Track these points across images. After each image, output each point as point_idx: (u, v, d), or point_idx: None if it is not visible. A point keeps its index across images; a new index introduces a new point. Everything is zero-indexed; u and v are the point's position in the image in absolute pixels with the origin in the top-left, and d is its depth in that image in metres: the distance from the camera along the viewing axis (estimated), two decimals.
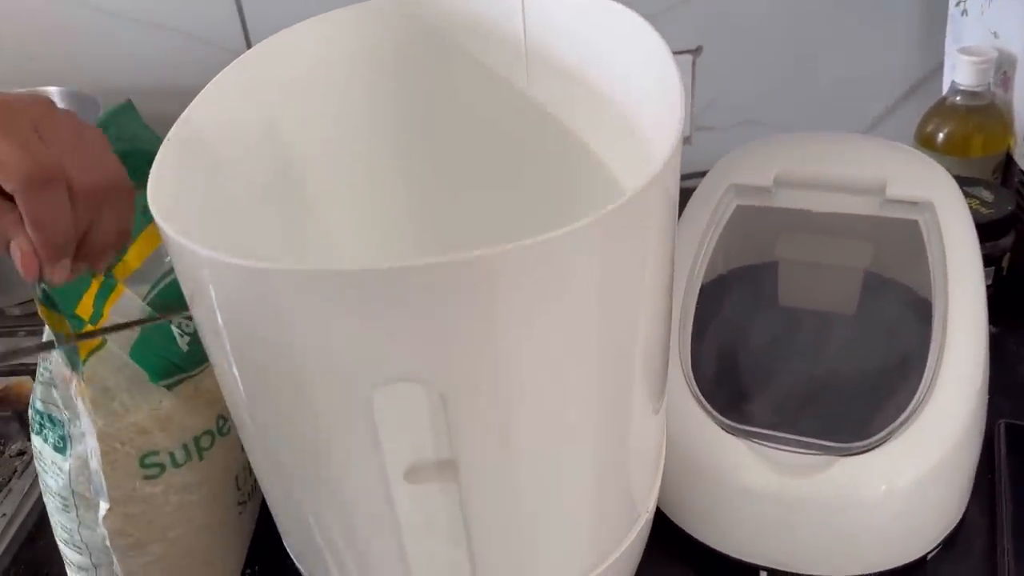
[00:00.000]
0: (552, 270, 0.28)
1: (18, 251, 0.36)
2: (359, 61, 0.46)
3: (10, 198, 0.35)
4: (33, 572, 0.54)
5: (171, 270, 0.46)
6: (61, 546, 0.47)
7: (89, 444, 0.42)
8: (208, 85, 0.39)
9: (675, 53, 0.80)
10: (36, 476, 0.59)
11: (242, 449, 0.48)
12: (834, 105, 0.81)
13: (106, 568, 0.46)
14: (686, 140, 0.83)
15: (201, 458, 0.45)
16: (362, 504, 0.33)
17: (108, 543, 0.44)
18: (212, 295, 0.29)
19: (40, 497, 0.58)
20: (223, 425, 0.46)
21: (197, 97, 0.38)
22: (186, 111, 0.37)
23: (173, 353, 0.44)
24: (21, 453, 0.61)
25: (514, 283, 0.28)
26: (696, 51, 0.79)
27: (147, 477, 0.44)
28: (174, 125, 0.36)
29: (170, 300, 0.45)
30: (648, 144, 0.40)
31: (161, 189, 0.32)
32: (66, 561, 0.48)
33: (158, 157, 0.34)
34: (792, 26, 0.78)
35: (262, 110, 0.42)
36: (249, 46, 0.77)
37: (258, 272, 0.27)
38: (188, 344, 0.45)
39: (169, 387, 0.44)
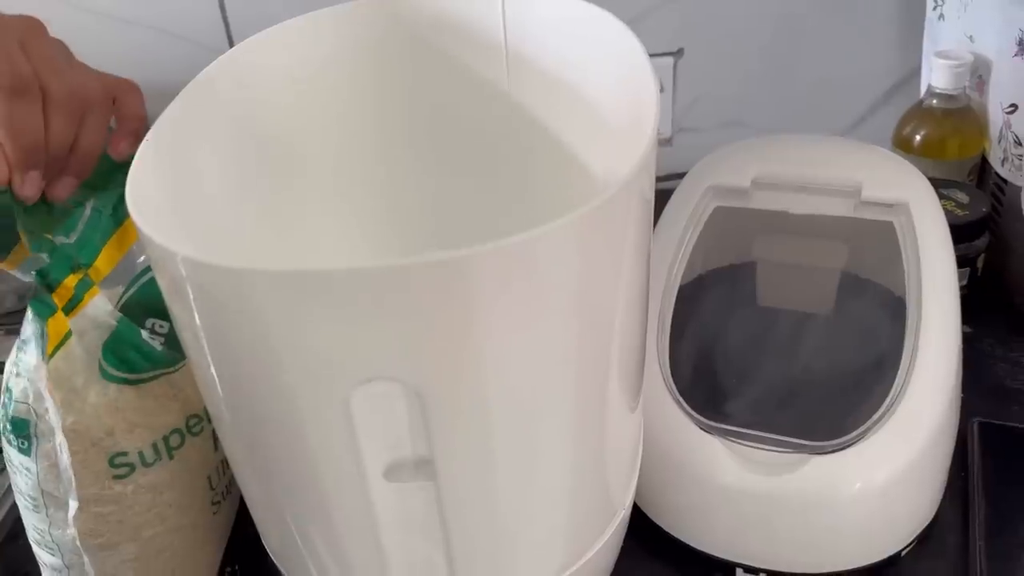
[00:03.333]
0: (528, 270, 0.29)
1: None
2: (340, 62, 0.46)
3: None
4: (12, 571, 0.53)
5: (143, 272, 0.46)
6: (34, 547, 0.47)
7: (57, 439, 0.42)
8: (188, 85, 0.39)
9: (656, 55, 0.81)
10: None
11: (215, 448, 0.48)
12: (815, 107, 0.82)
13: (78, 569, 0.46)
14: (667, 141, 0.83)
15: (171, 457, 0.45)
16: (340, 502, 0.34)
17: (79, 543, 0.44)
18: (190, 295, 0.30)
19: None
20: (194, 424, 0.46)
21: (177, 97, 0.38)
22: (166, 111, 0.37)
23: (143, 351, 0.44)
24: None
25: (490, 283, 0.28)
26: (677, 53, 0.80)
27: (116, 476, 0.44)
28: (153, 125, 0.36)
29: (143, 303, 0.45)
30: (626, 145, 0.40)
31: (139, 189, 0.32)
32: (40, 562, 0.48)
33: (137, 157, 0.34)
34: (773, 29, 0.78)
35: (242, 109, 0.42)
36: (231, 45, 0.77)
37: (235, 273, 0.27)
38: (160, 344, 0.45)
39: (136, 383, 0.44)
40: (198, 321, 0.30)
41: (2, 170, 0.38)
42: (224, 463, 0.49)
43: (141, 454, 0.44)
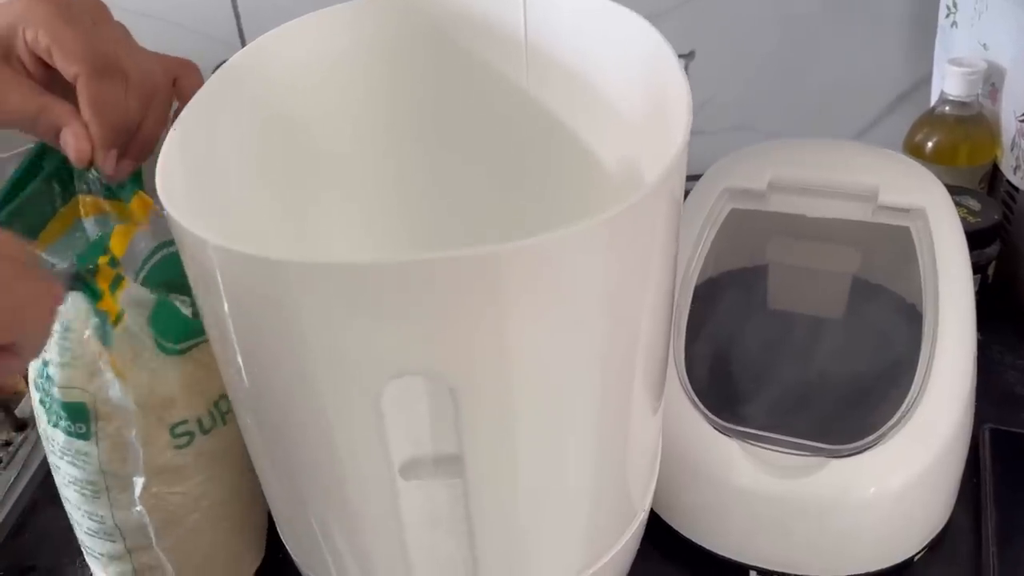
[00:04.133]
0: (559, 268, 0.29)
1: (71, 136, 0.39)
2: (358, 56, 0.46)
3: (61, 91, 0.38)
4: (19, 564, 0.53)
5: (151, 254, 0.46)
6: (87, 539, 0.46)
7: (127, 415, 0.42)
8: (211, 78, 0.39)
9: None
10: (22, 467, 0.58)
11: None
12: (824, 112, 0.82)
13: (143, 552, 0.45)
14: None
15: (225, 422, 0.46)
16: (365, 499, 0.33)
17: (147, 520, 0.44)
18: (220, 285, 0.29)
19: (27, 487, 0.57)
20: None
21: (199, 91, 0.38)
22: (190, 103, 0.37)
23: (183, 321, 0.44)
24: (7, 444, 0.60)
25: (520, 280, 0.28)
26: (689, 56, 0.79)
27: (178, 447, 0.44)
28: (177, 119, 0.36)
29: (158, 284, 0.45)
30: (648, 143, 0.40)
31: (169, 178, 0.32)
32: (91, 556, 0.47)
33: (164, 148, 0.34)
34: (783, 33, 0.78)
35: (262, 102, 0.42)
36: (242, 37, 0.76)
37: (267, 263, 0.27)
38: (190, 310, 0.45)
39: (183, 352, 0.44)
40: (227, 310, 0.30)
41: (85, 148, 0.39)
42: None
43: (199, 421, 0.44)
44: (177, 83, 0.43)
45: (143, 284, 0.44)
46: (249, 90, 0.41)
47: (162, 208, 0.30)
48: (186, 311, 0.45)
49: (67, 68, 0.38)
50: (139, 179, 0.44)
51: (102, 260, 0.41)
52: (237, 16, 0.77)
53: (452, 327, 0.28)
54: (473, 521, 0.33)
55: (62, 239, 0.45)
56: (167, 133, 0.35)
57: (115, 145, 0.40)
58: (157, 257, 0.46)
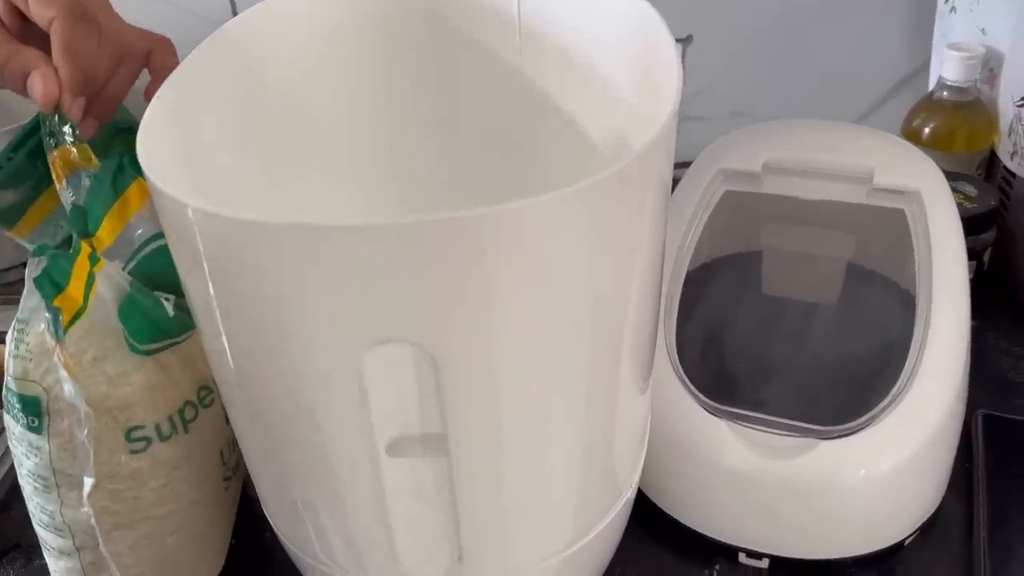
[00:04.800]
0: (546, 232, 0.28)
1: (39, 79, 0.38)
2: (352, 30, 0.46)
3: (33, 39, 0.39)
4: (4, 541, 0.53)
5: (145, 243, 0.45)
6: (40, 531, 0.45)
7: (80, 414, 0.41)
8: (199, 46, 0.39)
9: None
10: (7, 447, 0.58)
11: (226, 421, 0.47)
12: (821, 98, 0.81)
13: (90, 551, 0.44)
14: None
15: (186, 431, 0.44)
16: (348, 470, 0.33)
17: (93, 522, 0.43)
18: (200, 250, 0.29)
19: (11, 468, 0.57)
20: (205, 396, 0.45)
21: (187, 58, 0.37)
22: (176, 70, 0.36)
23: (159, 316, 0.43)
24: None
25: (508, 244, 0.28)
26: (686, 40, 0.79)
27: (133, 451, 0.43)
28: (163, 84, 0.36)
29: (144, 277, 0.44)
30: (643, 121, 0.40)
31: (150, 143, 0.31)
32: (45, 547, 0.46)
33: (147, 114, 0.34)
34: (782, 19, 0.78)
35: (252, 73, 0.41)
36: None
37: (248, 225, 0.27)
38: (173, 308, 0.44)
39: (150, 353, 0.43)
40: (208, 277, 0.30)
41: (53, 90, 0.38)
42: (234, 438, 0.48)
43: (158, 427, 0.43)
44: (151, 56, 0.43)
45: (130, 274, 0.44)
46: (238, 60, 0.40)
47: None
48: (165, 308, 0.44)
49: (42, 13, 0.38)
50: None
51: (83, 252, 0.41)
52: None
53: (434, 293, 0.28)
54: (456, 493, 0.33)
55: (42, 225, 0.45)
56: (152, 103, 0.35)
57: (83, 93, 0.39)
58: (151, 248, 0.45)
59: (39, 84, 0.38)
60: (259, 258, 0.28)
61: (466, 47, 0.47)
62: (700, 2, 0.77)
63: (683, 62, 0.80)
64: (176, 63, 0.41)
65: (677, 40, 0.78)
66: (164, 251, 0.45)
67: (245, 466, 0.49)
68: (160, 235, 0.45)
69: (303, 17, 0.43)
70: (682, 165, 0.63)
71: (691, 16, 0.78)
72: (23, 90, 0.39)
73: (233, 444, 0.48)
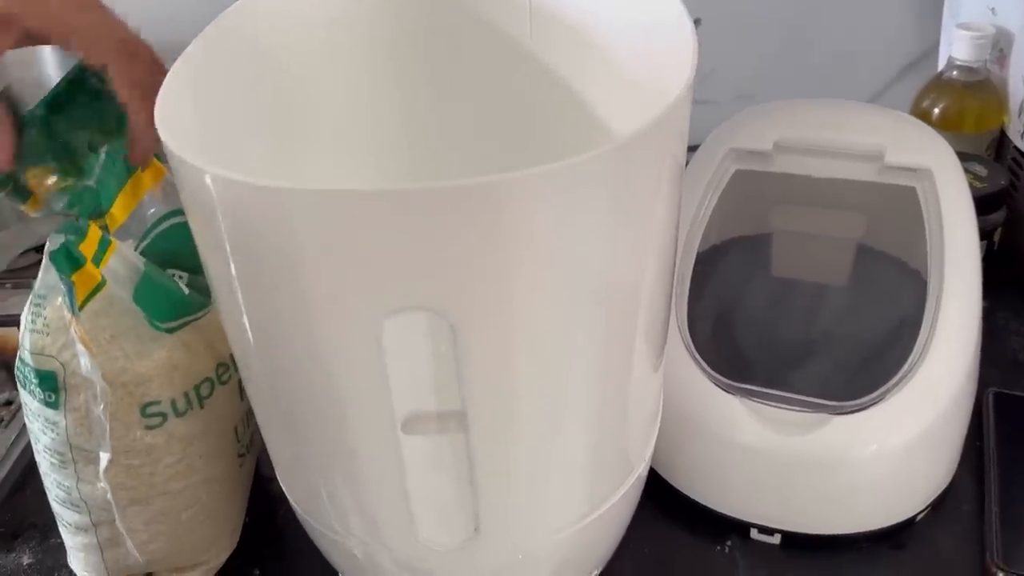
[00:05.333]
0: (563, 200, 0.28)
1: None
2: (361, 10, 0.46)
3: None
4: (20, 520, 0.53)
5: (156, 224, 0.45)
6: (56, 507, 0.46)
7: (96, 389, 0.41)
8: (216, 19, 0.39)
9: None
10: (23, 425, 0.58)
11: (240, 398, 0.47)
12: (831, 81, 0.81)
13: (107, 526, 0.45)
14: None
15: (202, 407, 0.44)
16: (366, 441, 0.33)
17: (110, 497, 0.43)
18: (219, 217, 0.29)
19: (28, 445, 0.57)
20: (223, 373, 0.46)
21: (204, 30, 0.38)
22: (194, 41, 0.37)
23: (175, 295, 0.43)
24: (8, 403, 0.60)
25: (525, 210, 0.28)
26: (695, 23, 0.79)
27: (148, 427, 0.43)
28: (182, 54, 0.36)
29: (158, 255, 0.44)
30: (656, 98, 0.40)
31: (168, 110, 0.32)
32: (61, 523, 0.46)
33: (164, 88, 0.34)
34: (790, 2, 0.78)
35: (266, 46, 0.41)
36: None
37: (267, 191, 0.27)
38: (188, 286, 0.44)
39: (171, 331, 0.43)
40: (227, 245, 0.30)
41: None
42: (249, 414, 0.48)
43: (174, 403, 0.43)
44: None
45: (143, 254, 0.44)
46: (253, 34, 0.40)
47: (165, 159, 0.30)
48: (180, 287, 0.44)
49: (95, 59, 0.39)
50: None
51: (94, 230, 0.41)
52: None
53: (450, 260, 0.28)
54: (475, 466, 0.33)
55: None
56: (169, 75, 0.35)
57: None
58: (164, 226, 0.45)
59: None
60: (278, 224, 0.28)
61: (477, 28, 0.47)
62: None
63: None
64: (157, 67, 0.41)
65: None
66: (176, 230, 0.46)
67: (259, 443, 0.50)
68: (172, 214, 0.46)
69: None
70: (691, 149, 0.63)
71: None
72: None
73: (247, 420, 0.48)
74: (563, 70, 0.47)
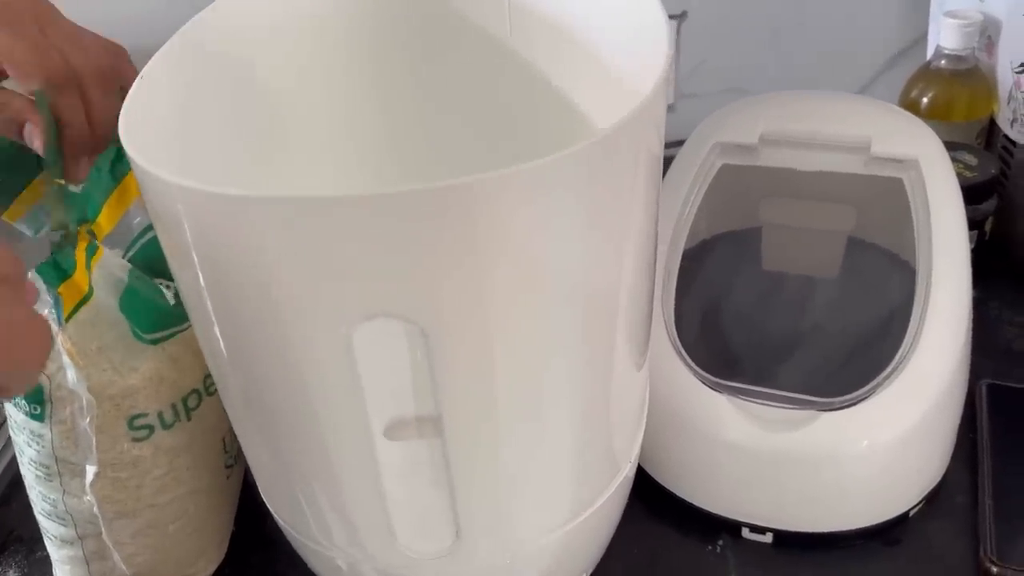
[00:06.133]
0: (536, 201, 0.28)
1: (37, 135, 0.38)
2: (337, 10, 0.45)
3: None
4: (6, 534, 0.53)
5: (142, 234, 0.45)
6: (42, 520, 0.45)
7: (82, 401, 0.41)
8: (184, 26, 0.38)
9: None
10: (8, 438, 0.58)
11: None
12: (819, 73, 0.80)
13: (93, 539, 0.44)
14: (670, 108, 0.82)
15: (189, 419, 0.44)
16: (342, 450, 0.33)
17: (96, 510, 0.43)
18: (185, 227, 0.29)
19: (13, 458, 0.57)
20: (210, 384, 0.45)
21: (172, 37, 0.37)
22: (161, 49, 0.36)
23: (161, 306, 0.43)
24: None
25: (500, 211, 0.27)
26: (681, 16, 0.78)
27: (135, 439, 0.42)
28: (148, 63, 0.35)
29: (145, 265, 0.44)
30: (634, 95, 0.39)
31: (133, 123, 0.31)
32: (47, 536, 0.46)
33: (131, 93, 0.33)
34: None
35: (237, 52, 0.41)
36: None
37: (232, 200, 0.26)
38: (173, 296, 0.43)
39: (156, 342, 0.43)
40: (194, 257, 0.29)
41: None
42: None
43: (160, 415, 0.43)
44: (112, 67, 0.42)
45: (130, 262, 0.43)
46: (223, 40, 0.40)
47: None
48: (166, 298, 0.43)
49: (23, 84, 0.37)
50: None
51: (81, 227, 0.40)
52: None
53: (422, 265, 0.27)
54: (453, 472, 0.32)
55: (35, 208, 0.44)
56: (135, 84, 0.34)
57: (83, 153, 0.39)
58: (151, 235, 0.45)
59: (37, 140, 0.38)
60: (243, 233, 0.27)
61: (456, 28, 0.47)
62: None
63: (678, 39, 0.79)
64: (135, 72, 0.41)
65: (671, 16, 0.78)
66: None
67: None
68: None
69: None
70: (677, 144, 0.62)
71: None
72: (20, 138, 0.39)
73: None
74: (544, 68, 0.46)
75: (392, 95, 0.48)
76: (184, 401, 0.44)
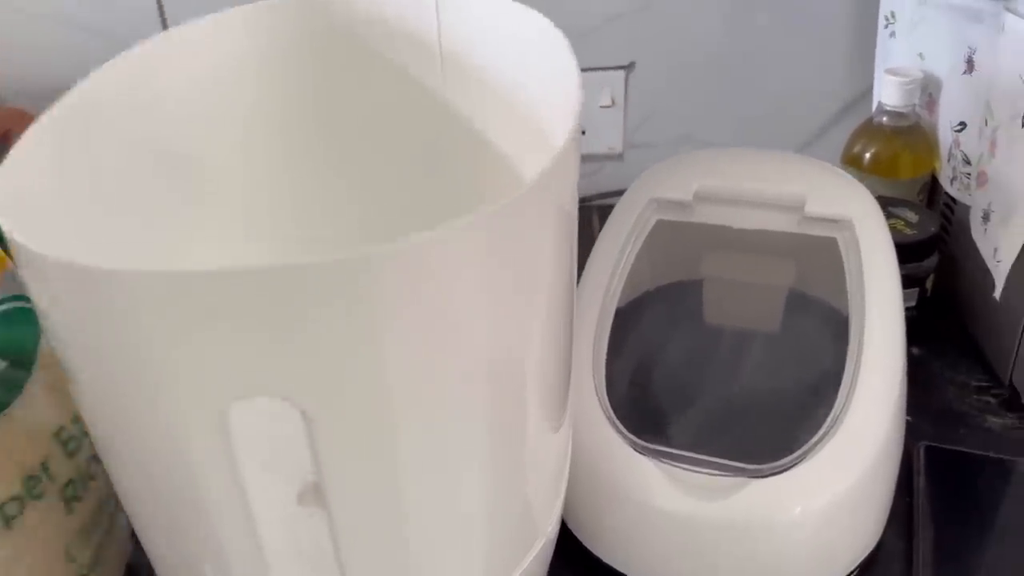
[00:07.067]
0: (429, 274, 0.27)
1: None
2: (260, 59, 0.44)
3: None
4: None
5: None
6: None
7: None
8: (82, 81, 0.36)
9: (608, 68, 0.79)
10: None
11: (68, 512, 0.41)
12: (768, 124, 0.81)
13: None
14: (619, 157, 0.82)
15: (9, 527, 0.38)
16: (224, 532, 0.31)
17: None
18: (52, 301, 0.27)
19: None
20: (34, 486, 0.39)
21: (67, 93, 0.35)
22: (51, 109, 0.34)
23: None
24: None
25: (386, 288, 0.26)
26: (629, 67, 0.78)
27: None
28: (33, 124, 0.33)
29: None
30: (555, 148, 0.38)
31: (9, 186, 0.29)
32: None
33: (8, 162, 0.31)
34: (727, 45, 0.78)
35: (139, 110, 0.39)
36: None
37: (94, 273, 0.25)
38: None
39: None
40: (66, 330, 0.28)
41: None
42: (86, 528, 0.42)
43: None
44: (8, 135, 0.39)
45: None
46: (124, 97, 0.38)
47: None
48: None
49: None
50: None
51: None
52: (165, 26, 0.75)
53: (302, 343, 0.26)
54: (342, 553, 0.31)
55: None
56: (21, 141, 0.32)
57: None
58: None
59: None
60: (109, 309, 0.26)
61: (385, 72, 0.46)
62: (643, 29, 0.77)
63: (626, 90, 0.79)
64: None
65: (619, 67, 0.78)
66: (12, 315, 0.40)
67: (112, 557, 0.45)
68: (9, 299, 0.40)
69: (196, 48, 0.41)
70: (618, 193, 0.61)
71: (633, 43, 0.77)
72: None
73: (86, 536, 0.42)
74: (476, 115, 0.45)
75: (307, 153, 0.47)
76: (1, 509, 0.38)
